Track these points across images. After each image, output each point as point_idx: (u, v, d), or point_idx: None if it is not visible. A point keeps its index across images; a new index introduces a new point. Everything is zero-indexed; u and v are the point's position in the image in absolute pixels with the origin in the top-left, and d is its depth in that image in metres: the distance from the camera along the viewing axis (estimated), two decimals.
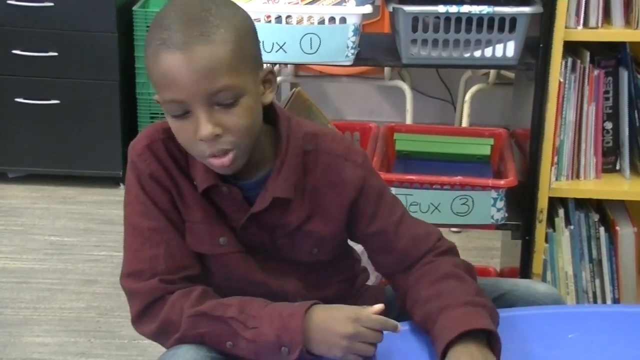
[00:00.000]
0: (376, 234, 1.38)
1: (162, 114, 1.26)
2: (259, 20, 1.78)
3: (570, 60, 1.90)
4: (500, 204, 1.90)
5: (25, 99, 3.05)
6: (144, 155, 1.31)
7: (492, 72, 3.15)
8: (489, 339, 1.23)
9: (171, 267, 1.30)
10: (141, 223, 1.31)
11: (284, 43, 1.80)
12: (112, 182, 3.16)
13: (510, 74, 2.92)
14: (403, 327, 1.28)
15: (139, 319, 1.31)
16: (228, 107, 1.21)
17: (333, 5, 1.82)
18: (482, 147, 2.09)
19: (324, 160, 1.35)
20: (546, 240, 1.99)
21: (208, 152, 1.23)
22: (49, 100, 3.06)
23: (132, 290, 1.31)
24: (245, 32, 1.24)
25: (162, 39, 1.19)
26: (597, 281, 2.04)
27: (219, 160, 1.23)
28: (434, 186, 1.90)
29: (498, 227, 1.95)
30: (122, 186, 3.16)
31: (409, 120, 3.10)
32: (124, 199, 1.34)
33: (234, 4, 1.27)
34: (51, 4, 2.96)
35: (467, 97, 3.13)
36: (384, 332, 1.23)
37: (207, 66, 1.18)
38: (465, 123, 3.10)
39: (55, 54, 3.01)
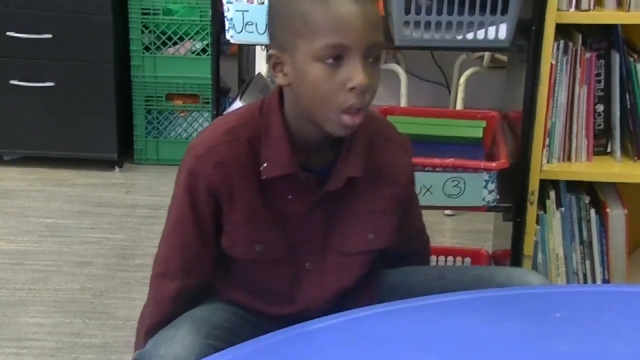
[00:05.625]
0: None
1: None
2: (252, 2, 1.78)
3: (562, 42, 1.90)
4: (492, 186, 1.91)
5: (20, 80, 3.05)
6: (202, 158, 1.32)
7: (487, 55, 3.15)
8: None
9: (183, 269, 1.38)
10: (173, 219, 1.38)
11: None
12: (108, 164, 3.16)
13: (505, 58, 2.92)
14: (407, 304, 1.30)
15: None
16: (373, 63, 1.27)
17: None
18: (474, 130, 2.10)
19: (380, 143, 1.40)
20: (537, 222, 2.00)
21: (349, 103, 1.25)
22: (44, 82, 3.06)
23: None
24: None
25: None
26: (588, 262, 2.06)
27: (352, 117, 1.26)
28: (426, 168, 1.91)
29: (489, 209, 1.97)
30: (117, 169, 3.17)
31: (403, 103, 3.10)
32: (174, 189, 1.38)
33: None
34: None
35: (462, 80, 3.13)
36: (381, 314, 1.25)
37: (375, 20, 1.27)
38: (459, 107, 3.10)
39: (50, 35, 3.01)
